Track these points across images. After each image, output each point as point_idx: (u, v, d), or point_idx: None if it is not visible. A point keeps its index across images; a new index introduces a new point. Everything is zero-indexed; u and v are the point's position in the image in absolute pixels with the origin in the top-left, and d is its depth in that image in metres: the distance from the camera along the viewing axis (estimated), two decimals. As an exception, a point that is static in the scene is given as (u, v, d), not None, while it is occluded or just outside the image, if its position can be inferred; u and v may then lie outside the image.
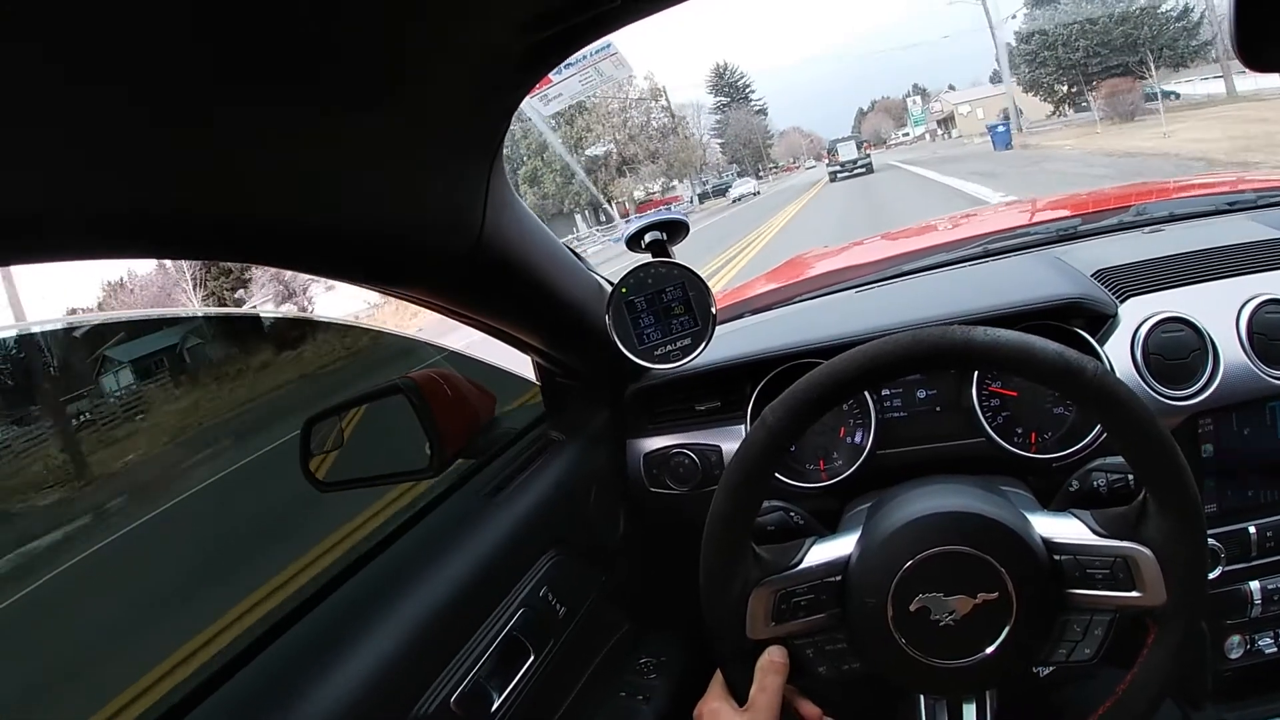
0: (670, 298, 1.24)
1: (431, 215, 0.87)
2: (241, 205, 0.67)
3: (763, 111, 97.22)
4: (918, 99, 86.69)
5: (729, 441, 1.36)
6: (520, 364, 1.43)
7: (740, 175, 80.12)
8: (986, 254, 1.66)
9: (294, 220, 0.73)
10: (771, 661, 0.92)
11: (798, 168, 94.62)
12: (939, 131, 74.83)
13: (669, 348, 1.24)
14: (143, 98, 0.51)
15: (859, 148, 46.68)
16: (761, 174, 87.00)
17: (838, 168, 42.31)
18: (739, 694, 0.94)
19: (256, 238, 0.72)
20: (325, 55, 0.59)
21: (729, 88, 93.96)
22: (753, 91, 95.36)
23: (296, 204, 0.72)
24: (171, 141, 0.57)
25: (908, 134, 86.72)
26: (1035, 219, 1.85)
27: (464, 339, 1.41)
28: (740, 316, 1.67)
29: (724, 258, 15.06)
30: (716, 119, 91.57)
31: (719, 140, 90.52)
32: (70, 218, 0.55)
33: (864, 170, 40.45)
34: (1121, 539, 0.87)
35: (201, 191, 0.63)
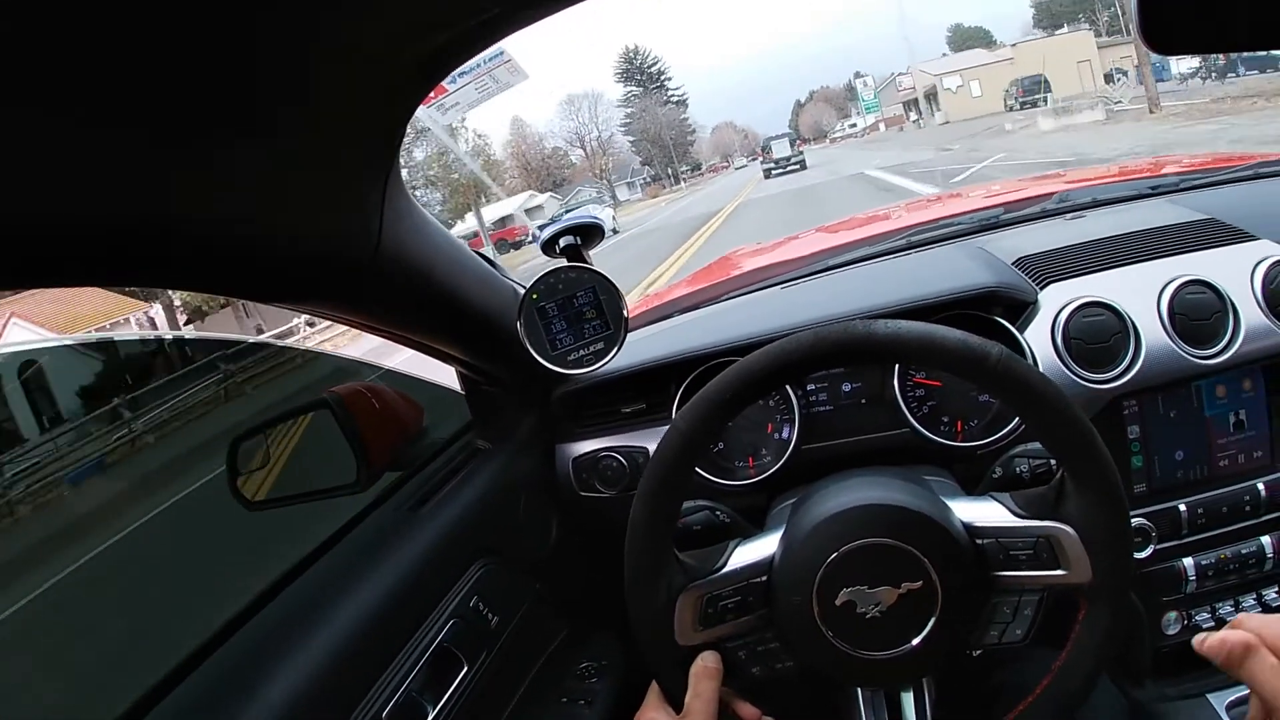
0: (581, 302, 1.24)
1: (326, 228, 0.85)
2: (133, 224, 0.65)
3: (681, 102, 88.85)
4: (867, 80, 76.10)
5: (655, 442, 1.35)
6: (448, 376, 1.41)
7: (603, 189, 70.57)
8: (911, 245, 1.68)
9: (186, 237, 0.71)
10: (705, 667, 0.92)
11: (727, 167, 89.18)
12: (911, 117, 63.27)
13: (582, 352, 1.24)
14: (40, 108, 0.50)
15: (792, 145, 47.19)
16: (675, 178, 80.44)
17: (772, 165, 43.25)
18: (675, 701, 0.93)
19: (149, 258, 0.70)
20: (209, 71, 0.58)
21: (640, 74, 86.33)
22: (668, 79, 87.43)
23: (188, 221, 0.70)
24: (46, 156, 0.55)
25: (854, 125, 78.78)
26: (960, 209, 1.87)
27: (403, 359, 1.39)
28: (668, 316, 1.67)
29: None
30: (627, 112, 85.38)
31: (630, 137, 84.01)
32: None
33: (797, 167, 41.24)
34: (1042, 518, 0.88)
35: (94, 209, 0.61)
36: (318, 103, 0.70)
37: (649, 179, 79.10)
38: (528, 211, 49.99)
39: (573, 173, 75.53)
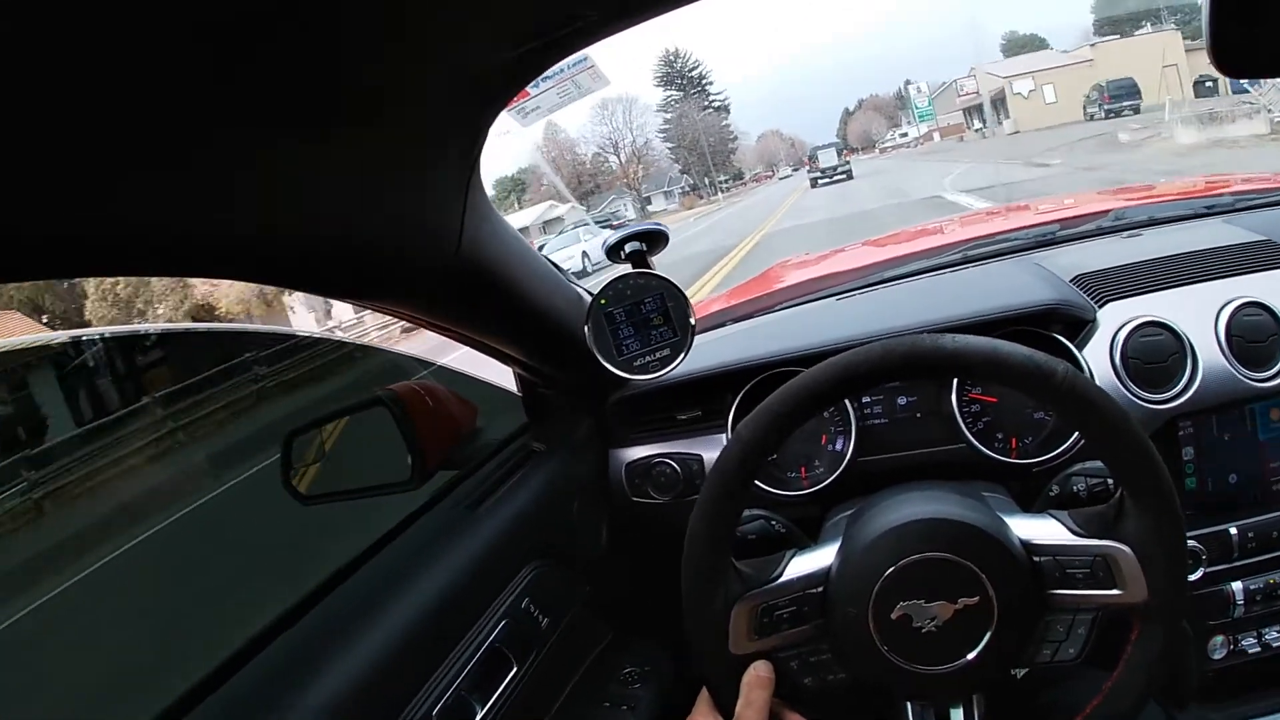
0: (649, 309, 1.25)
1: (409, 228, 0.87)
2: (222, 221, 0.67)
3: (722, 108, 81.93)
4: (920, 86, 67.94)
5: (710, 450, 1.36)
6: (503, 376, 1.42)
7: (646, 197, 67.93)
8: (966, 260, 1.67)
9: (273, 235, 0.73)
10: (757, 676, 0.92)
11: (771, 177, 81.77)
12: (973, 125, 54.50)
13: (648, 358, 1.25)
14: (125, 113, 0.51)
15: (839, 154, 47.10)
16: (713, 187, 74.53)
17: (819, 174, 42.75)
18: (726, 710, 0.93)
19: (236, 253, 0.72)
20: (305, 73, 0.59)
21: (680, 79, 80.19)
22: (709, 84, 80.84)
23: (275, 219, 0.71)
24: (152, 158, 0.56)
25: (905, 134, 72.42)
26: (1015, 225, 1.86)
27: (456, 355, 1.40)
28: (721, 325, 1.67)
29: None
30: (666, 117, 78.37)
31: (669, 144, 77.05)
32: (42, 235, 0.55)
33: (844, 176, 40.72)
34: (1100, 538, 0.87)
35: (183, 209, 0.62)
36: (405, 104, 0.71)
37: (686, 188, 74.13)
38: (545, 224, 46.47)
39: (606, 181, 72.87)
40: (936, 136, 61.67)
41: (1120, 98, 30.90)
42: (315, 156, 0.69)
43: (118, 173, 0.55)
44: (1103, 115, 30.74)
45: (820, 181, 41.37)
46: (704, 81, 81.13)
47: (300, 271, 0.82)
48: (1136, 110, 26.95)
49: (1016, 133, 41.85)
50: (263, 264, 0.76)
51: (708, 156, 76.42)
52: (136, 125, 0.53)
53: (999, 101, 48.57)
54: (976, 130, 52.74)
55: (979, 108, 53.66)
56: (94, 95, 0.48)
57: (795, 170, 73.48)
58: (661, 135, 77.11)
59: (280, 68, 0.57)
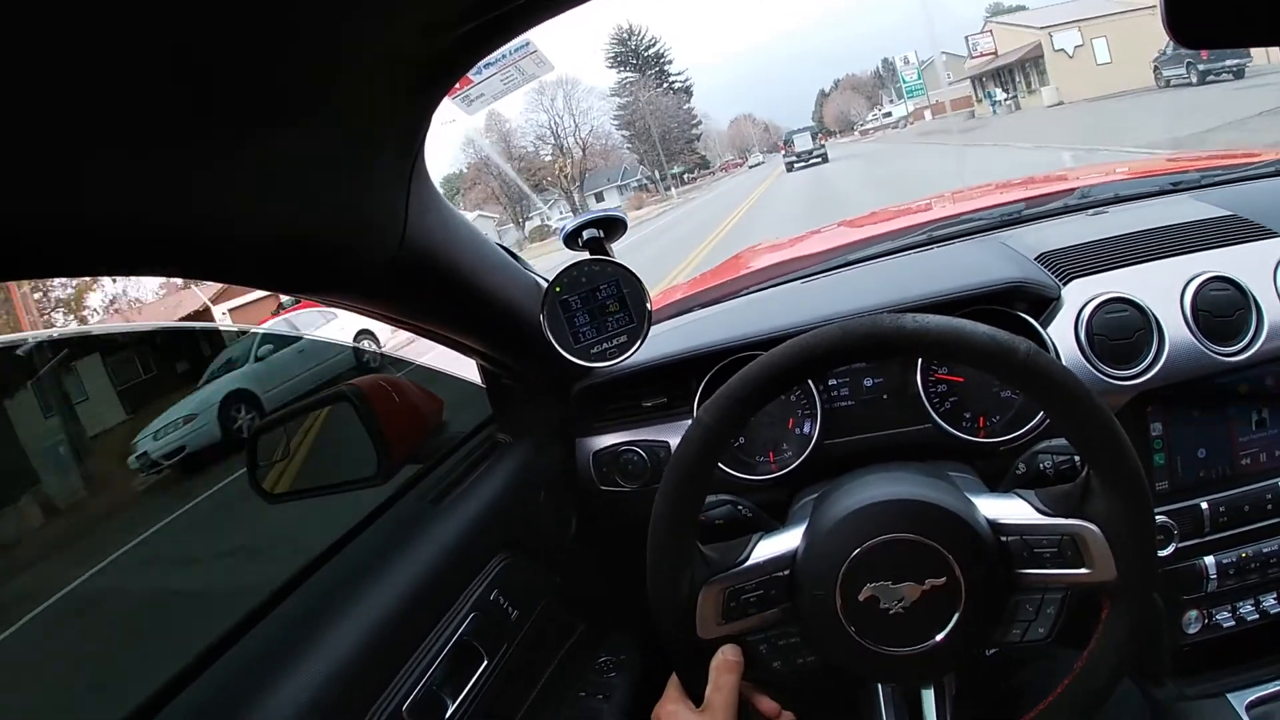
0: (605, 295, 1.24)
1: (351, 220, 0.85)
2: (160, 218, 0.65)
3: (684, 91, 72.47)
4: (909, 57, 55.42)
5: (677, 436, 1.35)
6: (470, 369, 1.41)
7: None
8: (932, 241, 1.67)
9: (213, 230, 0.71)
10: (725, 660, 0.92)
11: (741, 165, 74.72)
12: (997, 96, 39.82)
13: (605, 345, 1.24)
14: (54, 104, 0.50)
15: (814, 138, 47.21)
16: (665, 184, 64.26)
17: (794, 158, 42.95)
18: (695, 695, 0.93)
19: (178, 250, 0.71)
20: (238, 67, 0.58)
21: (635, 59, 70.71)
22: (668, 63, 70.59)
23: (214, 213, 0.70)
24: (83, 151, 0.55)
25: (889, 113, 64.82)
26: (981, 205, 1.86)
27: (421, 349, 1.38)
28: (687, 311, 1.67)
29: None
30: (621, 101, 68.77)
31: (624, 132, 67.30)
32: None
33: (819, 160, 41.01)
34: (1067, 516, 0.87)
35: (120, 205, 0.61)
36: (342, 93, 0.70)
37: (644, 180, 66.22)
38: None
39: (552, 178, 63.40)
40: (928, 115, 54.01)
41: (1223, 54, 19.70)
42: (252, 147, 0.67)
43: (46, 167, 0.54)
44: (1190, 78, 21.18)
45: (796, 166, 41.56)
46: (662, 61, 72.17)
47: (244, 267, 0.80)
48: (1240, 73, 19.52)
49: (1059, 104, 30.73)
50: (206, 260, 0.74)
51: (658, 145, 67.35)
52: (67, 118, 0.51)
53: (1030, 64, 35.95)
54: (1000, 103, 39.52)
55: (996, 74, 40.68)
56: (19, 87, 0.47)
57: (768, 155, 69.70)
58: (617, 122, 68.66)
59: (213, 56, 0.55)
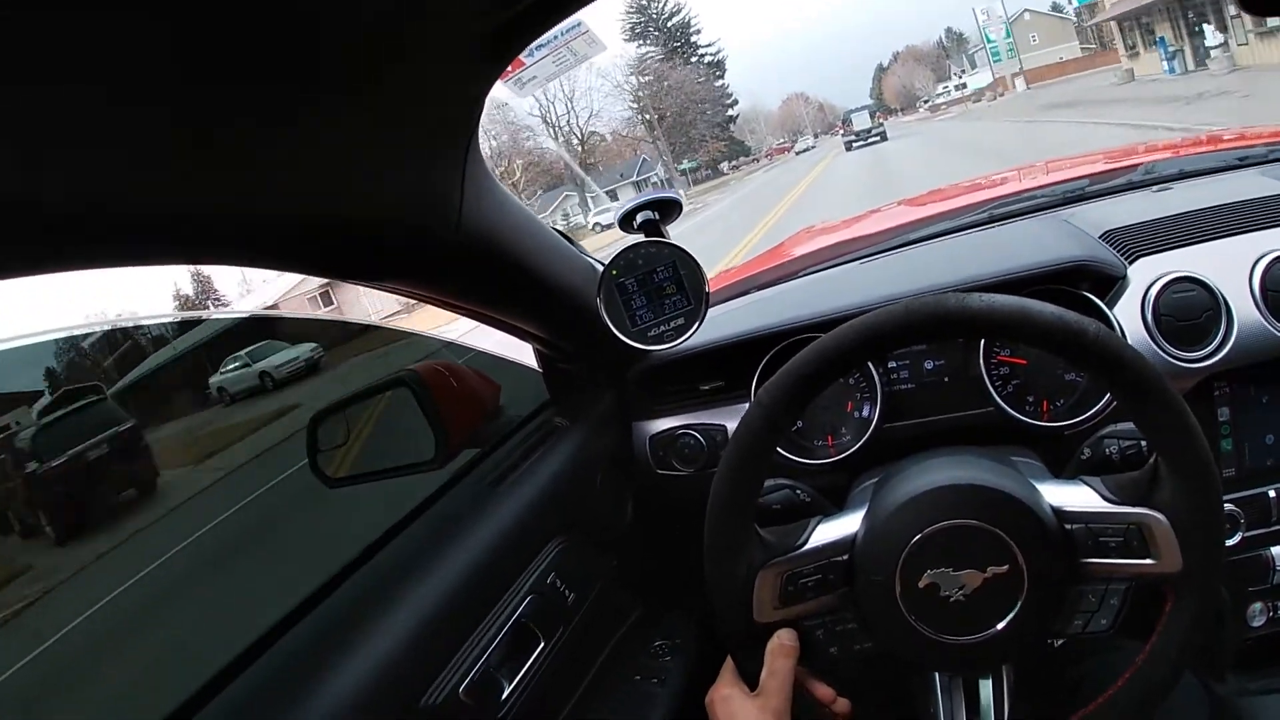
0: (661, 277, 1.23)
1: (407, 205, 0.86)
2: (217, 204, 0.66)
3: (715, 64, 63.85)
4: (989, 9, 46.99)
5: (734, 420, 1.33)
6: (525, 353, 1.42)
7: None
8: (992, 219, 1.63)
9: (269, 217, 0.72)
10: (781, 645, 0.91)
11: (788, 150, 67.11)
12: (1148, 44, 25.38)
13: (663, 328, 1.23)
14: (112, 89, 0.51)
15: (873, 117, 48.42)
16: (685, 184, 54.11)
17: (853, 137, 43.87)
18: (750, 679, 0.93)
19: (231, 237, 0.72)
20: (292, 47, 0.58)
21: (657, 31, 62.82)
22: (696, 33, 62.28)
23: (270, 201, 0.71)
24: (137, 136, 0.56)
25: (963, 85, 57.06)
26: (1042, 182, 1.82)
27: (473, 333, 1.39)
28: (745, 293, 1.66)
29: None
30: (643, 80, 60.04)
31: (645, 115, 58.48)
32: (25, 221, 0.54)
33: (878, 139, 41.75)
34: (1134, 505, 0.85)
35: (173, 192, 0.62)
36: (396, 76, 0.70)
37: (679, 174, 56.14)
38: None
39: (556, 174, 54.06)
40: (1020, 84, 44.55)
41: None
42: (306, 135, 0.68)
43: (94, 153, 0.55)
44: None
45: (855, 145, 42.19)
46: (690, 31, 63.22)
47: (297, 253, 0.81)
48: None
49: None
50: (258, 247, 0.75)
51: (661, 136, 57.02)
52: (112, 100, 0.52)
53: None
54: (1181, 52, 23.33)
55: (1168, 8, 23.66)
56: (68, 64, 0.47)
57: (821, 138, 65.68)
58: (636, 105, 60.06)
59: (265, 31, 0.55)
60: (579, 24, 1.05)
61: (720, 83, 66.47)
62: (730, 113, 67.23)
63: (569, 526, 1.20)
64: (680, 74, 61.99)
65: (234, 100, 0.59)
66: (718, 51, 65.84)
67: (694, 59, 65.23)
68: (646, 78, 60.87)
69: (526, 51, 0.81)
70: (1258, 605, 1.22)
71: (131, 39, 0.48)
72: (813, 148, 62.99)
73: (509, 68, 0.81)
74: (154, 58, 0.51)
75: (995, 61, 49.61)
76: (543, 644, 1.06)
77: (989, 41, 50.04)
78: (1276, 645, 1.23)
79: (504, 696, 0.98)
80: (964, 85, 57.59)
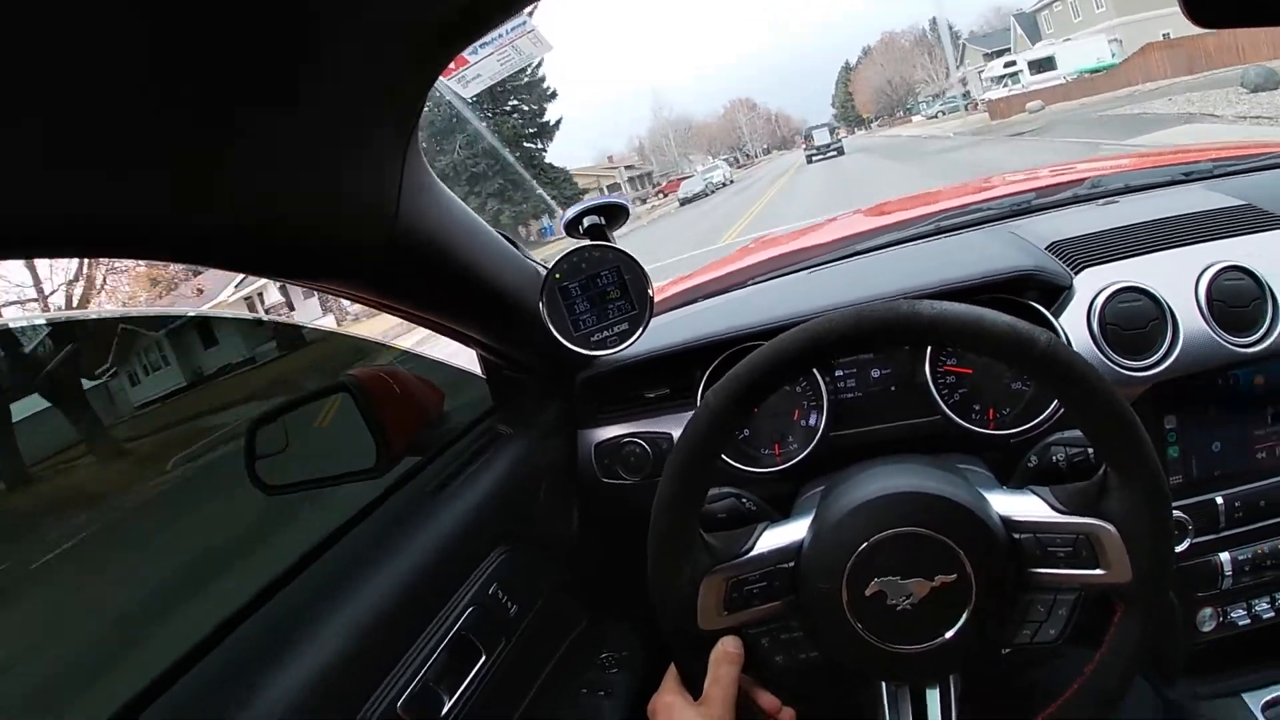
0: (605, 282, 1.21)
1: (343, 202, 0.83)
2: (149, 201, 0.64)
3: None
4: None
5: (679, 428, 1.34)
6: (469, 360, 1.40)
7: None
8: (939, 230, 1.65)
9: (202, 215, 0.70)
10: (725, 652, 0.90)
11: (669, 193, 51.88)
12: None
13: (606, 333, 1.22)
14: (46, 89, 0.49)
15: (832, 134, 51.32)
16: None
17: (814, 151, 46.67)
18: (694, 686, 0.92)
19: (164, 233, 0.69)
20: (224, 43, 0.56)
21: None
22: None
23: (203, 198, 0.68)
24: (73, 138, 0.54)
25: (1019, 67, 37.90)
26: (989, 195, 1.84)
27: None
28: (692, 301, 1.65)
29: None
30: None
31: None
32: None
33: (835, 154, 44.19)
34: (1083, 515, 0.85)
35: (108, 188, 0.60)
36: (334, 73, 0.68)
37: None
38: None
39: None
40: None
41: None
42: (241, 124, 0.66)
43: (38, 155, 0.53)
44: None
45: (814, 158, 44.63)
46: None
47: (230, 251, 0.78)
48: None
49: None
50: (192, 243, 0.73)
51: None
52: (58, 103, 0.51)
53: None
54: None
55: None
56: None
57: (767, 157, 59.51)
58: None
59: (192, 30, 0.54)
60: (524, 22, 1.04)
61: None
62: (547, 118, 44.62)
63: (512, 536, 1.18)
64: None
65: (162, 95, 0.57)
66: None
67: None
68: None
69: (470, 49, 0.80)
70: (1207, 610, 1.23)
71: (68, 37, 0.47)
72: (723, 185, 46.67)
73: (451, 65, 0.80)
74: (92, 59, 0.50)
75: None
76: (484, 657, 1.03)
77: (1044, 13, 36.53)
78: (1226, 650, 1.25)
79: (444, 712, 0.95)
80: (1018, 71, 38.14)
